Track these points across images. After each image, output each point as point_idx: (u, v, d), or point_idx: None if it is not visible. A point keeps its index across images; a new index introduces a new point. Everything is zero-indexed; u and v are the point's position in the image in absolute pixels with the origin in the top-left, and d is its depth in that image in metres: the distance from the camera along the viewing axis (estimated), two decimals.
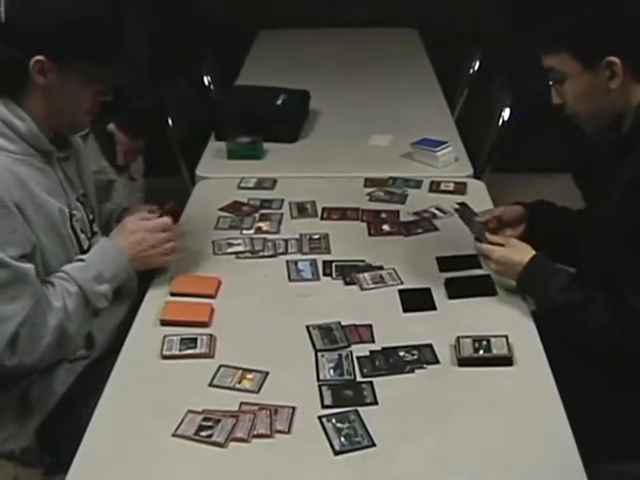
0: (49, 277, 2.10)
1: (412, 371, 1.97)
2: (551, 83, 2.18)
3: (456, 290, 2.27)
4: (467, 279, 2.33)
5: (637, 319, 1.98)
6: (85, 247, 2.23)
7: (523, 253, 2.21)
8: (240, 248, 2.52)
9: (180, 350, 2.04)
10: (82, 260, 2.16)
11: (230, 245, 2.54)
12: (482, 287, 2.27)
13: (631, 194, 2.02)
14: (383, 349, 2.04)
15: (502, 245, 2.27)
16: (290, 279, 2.38)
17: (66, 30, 2.00)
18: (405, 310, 2.22)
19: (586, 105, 2.15)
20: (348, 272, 2.37)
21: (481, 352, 1.99)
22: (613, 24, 2.05)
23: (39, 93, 2.07)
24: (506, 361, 1.98)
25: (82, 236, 2.23)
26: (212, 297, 2.26)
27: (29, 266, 2.01)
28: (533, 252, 2.20)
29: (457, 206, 2.51)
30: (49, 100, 2.08)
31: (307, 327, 2.13)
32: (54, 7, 2.02)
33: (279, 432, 1.78)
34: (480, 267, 2.37)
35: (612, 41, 2.04)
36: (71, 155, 2.29)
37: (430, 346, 2.04)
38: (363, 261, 2.43)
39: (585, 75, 2.09)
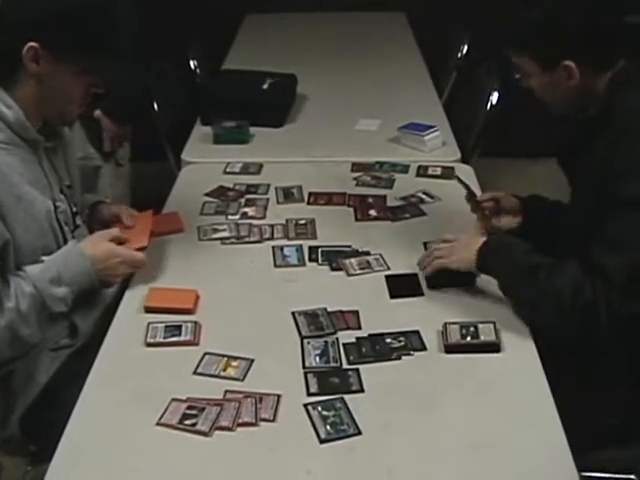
0: (7, 274, 2.04)
1: (399, 358, 1.96)
2: (517, 76, 2.23)
3: (435, 281, 2.24)
4: (446, 270, 2.29)
5: (601, 274, 1.92)
6: (69, 240, 2.19)
7: (472, 241, 2.18)
8: (225, 234, 2.51)
9: (164, 337, 2.03)
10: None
11: (215, 231, 2.53)
12: (461, 277, 2.23)
13: (605, 167, 2.02)
14: (370, 335, 2.03)
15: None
16: (276, 265, 2.36)
17: (62, 18, 1.98)
18: (392, 296, 2.20)
19: (551, 97, 2.20)
20: (334, 258, 2.36)
21: (468, 338, 1.98)
22: (566, 28, 2.07)
23: (31, 81, 2.04)
24: (494, 347, 1.97)
25: (66, 229, 2.20)
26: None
27: None
28: (483, 239, 2.18)
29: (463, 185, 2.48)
30: (40, 89, 2.05)
31: (293, 313, 2.11)
32: None
33: (264, 420, 1.77)
34: None
35: (566, 45, 2.08)
36: (59, 145, 2.26)
37: (417, 332, 2.03)
38: (350, 246, 2.42)
39: (544, 76, 2.14)
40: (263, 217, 2.61)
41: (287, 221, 2.57)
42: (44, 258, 2.10)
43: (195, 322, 2.07)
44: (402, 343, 2.00)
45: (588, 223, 2.05)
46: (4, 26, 2.02)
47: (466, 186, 2.45)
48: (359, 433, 1.73)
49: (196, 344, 2.01)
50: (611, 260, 1.92)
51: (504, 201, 2.48)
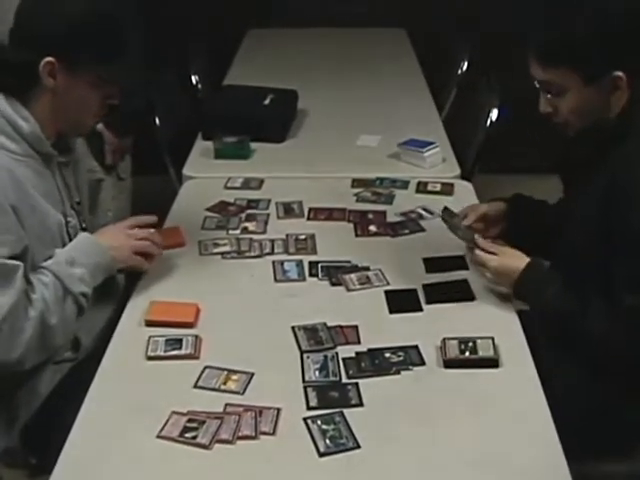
0: (27, 273, 2.05)
1: (398, 372, 1.97)
2: (549, 96, 2.09)
3: (433, 295, 2.25)
4: (444, 284, 2.31)
5: (634, 316, 1.94)
6: None
7: (519, 260, 2.18)
8: (226, 248, 2.52)
9: (165, 351, 2.04)
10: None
11: (216, 245, 2.53)
12: (459, 292, 2.26)
13: (610, 197, 1.99)
14: (369, 350, 2.04)
15: (494, 254, 2.22)
16: (276, 279, 2.37)
17: (76, 32, 2.01)
18: (391, 311, 2.21)
19: (581, 116, 2.08)
20: (334, 273, 2.37)
21: (467, 354, 1.99)
22: (618, 38, 1.96)
23: (47, 95, 2.07)
24: (492, 363, 1.97)
25: None
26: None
27: (18, 263, 1.97)
28: (527, 259, 2.17)
29: (442, 214, 2.48)
30: (57, 102, 2.08)
31: (293, 328, 2.12)
32: (64, 9, 2.02)
33: (264, 434, 1.78)
34: (466, 268, 2.37)
35: (617, 56, 1.97)
36: (71, 161, 2.28)
37: (416, 347, 2.04)
38: (349, 262, 2.42)
39: (587, 89, 2.01)
40: (264, 232, 2.62)
41: (287, 236, 2.57)
42: (57, 251, 2.12)
43: (196, 336, 2.08)
44: (401, 358, 2.00)
45: (589, 247, 2.06)
46: (20, 42, 2.04)
47: (451, 216, 2.44)
48: (358, 447, 1.73)
49: (196, 358, 2.02)
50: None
51: (491, 212, 2.45)
